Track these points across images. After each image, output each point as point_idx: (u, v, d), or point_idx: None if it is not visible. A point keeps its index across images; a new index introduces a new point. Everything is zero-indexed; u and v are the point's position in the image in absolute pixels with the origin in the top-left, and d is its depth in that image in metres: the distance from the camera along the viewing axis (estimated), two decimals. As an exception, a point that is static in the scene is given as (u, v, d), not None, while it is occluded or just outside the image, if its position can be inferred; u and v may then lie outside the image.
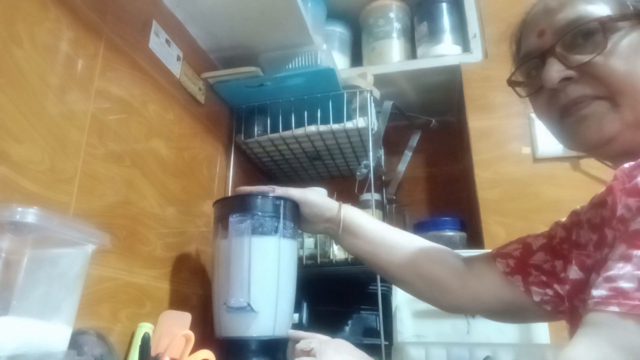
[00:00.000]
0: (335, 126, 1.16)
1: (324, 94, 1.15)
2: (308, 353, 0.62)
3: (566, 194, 1.11)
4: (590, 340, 0.39)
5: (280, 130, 1.19)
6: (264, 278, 0.77)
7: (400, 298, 1.03)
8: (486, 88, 1.27)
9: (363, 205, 1.25)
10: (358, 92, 1.18)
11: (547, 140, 1.00)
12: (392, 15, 1.48)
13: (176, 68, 0.98)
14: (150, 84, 0.88)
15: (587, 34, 0.51)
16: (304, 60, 1.11)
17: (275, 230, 0.79)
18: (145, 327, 0.75)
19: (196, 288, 0.98)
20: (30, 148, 0.60)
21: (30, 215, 0.46)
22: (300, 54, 1.11)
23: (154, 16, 0.91)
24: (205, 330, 0.94)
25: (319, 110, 1.16)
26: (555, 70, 0.52)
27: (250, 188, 0.84)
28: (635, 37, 0.50)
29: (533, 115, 1.15)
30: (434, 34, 1.41)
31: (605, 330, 0.39)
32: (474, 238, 1.22)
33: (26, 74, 0.60)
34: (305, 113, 1.16)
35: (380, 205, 1.38)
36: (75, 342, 0.59)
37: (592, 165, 1.10)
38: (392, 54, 1.44)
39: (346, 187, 1.27)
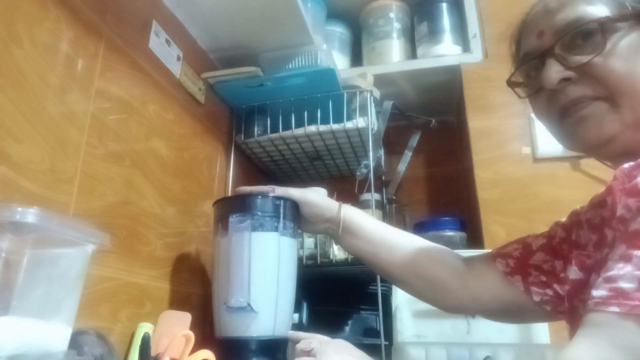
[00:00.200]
0: (335, 126, 1.16)
1: (324, 94, 1.15)
2: (308, 353, 0.62)
3: (566, 194, 1.11)
4: (591, 340, 0.39)
5: (280, 130, 1.19)
6: (264, 278, 0.77)
7: (400, 298, 1.03)
8: (486, 88, 1.27)
9: (363, 205, 1.25)
10: (358, 92, 1.18)
11: (547, 140, 1.00)
12: (392, 15, 1.48)
13: (176, 68, 0.98)
14: (150, 84, 0.88)
15: (587, 35, 0.51)
16: (304, 60, 1.11)
17: (275, 230, 0.79)
18: (145, 327, 0.75)
19: (196, 288, 0.98)
20: (30, 148, 0.60)
21: (30, 215, 0.45)
22: (300, 54, 1.11)
23: (154, 16, 0.91)
24: (205, 330, 0.94)
25: (319, 110, 1.16)
26: (554, 71, 0.52)
27: (250, 188, 0.84)
28: (634, 37, 0.50)
29: (533, 115, 1.15)
30: (434, 34, 1.41)
31: (606, 330, 0.39)
32: (474, 238, 1.22)
33: (26, 74, 0.60)
34: (305, 113, 1.16)
35: (380, 205, 1.38)
36: (75, 342, 0.59)
37: (592, 165, 1.10)
38: (392, 54, 1.44)
39: (346, 187, 1.27)
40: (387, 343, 1.00)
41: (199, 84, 1.07)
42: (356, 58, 1.53)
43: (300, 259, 1.06)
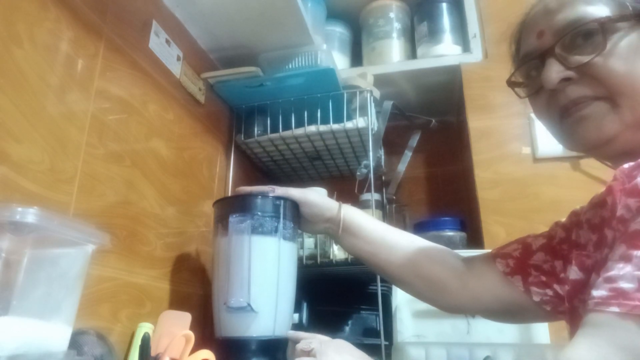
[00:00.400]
0: (335, 126, 1.16)
1: (324, 94, 1.15)
2: (308, 353, 0.62)
3: (566, 194, 1.11)
4: (591, 340, 0.39)
5: (280, 130, 1.19)
6: (264, 278, 0.77)
7: (400, 298, 1.03)
8: (486, 88, 1.27)
9: (363, 205, 1.25)
10: (358, 92, 1.18)
11: (547, 140, 1.00)
12: (392, 15, 1.48)
13: (176, 68, 0.98)
14: (150, 84, 0.88)
15: (587, 35, 0.51)
16: (304, 60, 1.11)
17: (275, 230, 0.79)
18: (145, 327, 0.75)
19: (196, 288, 0.98)
20: (30, 148, 0.60)
21: (30, 215, 0.45)
22: (300, 54, 1.11)
23: (154, 16, 0.91)
24: (205, 330, 0.94)
25: (319, 110, 1.16)
26: (554, 71, 0.52)
27: (250, 188, 0.84)
28: (635, 37, 0.50)
29: (533, 115, 1.15)
30: (434, 34, 1.41)
31: (606, 330, 0.39)
32: (474, 238, 1.22)
33: (26, 74, 0.60)
34: (305, 113, 1.16)
35: (380, 205, 1.38)
36: (75, 342, 0.59)
37: (592, 165, 1.10)
38: (392, 54, 1.44)
39: (346, 187, 1.27)
40: (387, 343, 1.00)
41: (199, 84, 1.07)
42: (356, 58, 1.53)
43: (300, 259, 1.06)
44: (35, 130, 0.61)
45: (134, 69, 0.84)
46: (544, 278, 0.66)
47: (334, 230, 0.82)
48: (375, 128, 1.21)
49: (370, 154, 1.14)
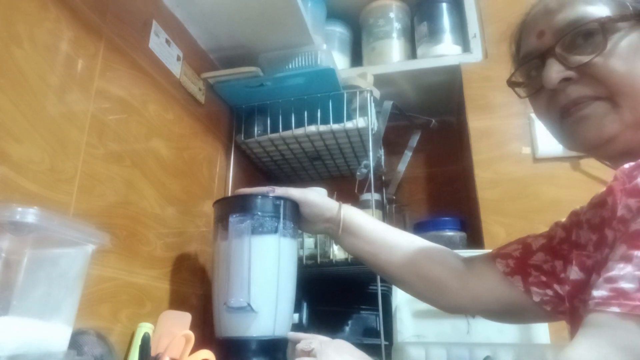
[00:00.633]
0: (335, 126, 1.16)
1: (324, 94, 1.15)
2: (308, 353, 0.62)
3: (566, 194, 1.11)
4: (591, 340, 0.39)
5: (280, 130, 1.19)
6: (264, 278, 0.77)
7: (400, 298, 1.03)
8: (486, 88, 1.27)
9: (363, 205, 1.25)
10: (358, 92, 1.18)
11: (547, 140, 1.00)
12: (392, 15, 1.48)
13: (176, 68, 0.98)
14: (150, 84, 0.88)
15: (587, 35, 0.51)
16: (304, 60, 1.11)
17: (275, 230, 0.79)
18: (145, 327, 0.75)
19: (196, 288, 0.98)
20: (30, 148, 0.60)
21: (30, 215, 0.45)
22: (300, 54, 1.11)
23: (154, 16, 0.91)
24: (205, 330, 0.94)
25: (319, 110, 1.16)
26: (555, 71, 0.52)
27: (249, 190, 0.84)
28: (635, 37, 0.50)
29: (533, 115, 1.15)
30: (434, 34, 1.41)
31: (606, 330, 0.39)
32: (474, 238, 1.22)
33: (26, 74, 0.60)
34: (305, 113, 1.16)
35: (380, 205, 1.38)
36: (75, 342, 0.59)
37: (592, 165, 1.10)
38: (392, 54, 1.44)
39: (346, 187, 1.27)
40: (387, 343, 1.00)
41: (199, 84, 1.07)
42: (356, 58, 1.53)
43: (300, 259, 1.06)
44: (35, 130, 0.61)
45: (134, 69, 0.84)
46: (544, 278, 0.66)
47: (334, 230, 0.82)
48: (375, 128, 1.21)
49: (370, 154, 1.14)
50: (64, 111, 0.67)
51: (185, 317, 0.77)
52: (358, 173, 1.19)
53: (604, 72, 0.50)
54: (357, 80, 1.19)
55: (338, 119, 1.16)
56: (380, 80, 1.29)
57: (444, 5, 1.44)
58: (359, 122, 1.16)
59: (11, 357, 0.45)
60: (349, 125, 1.16)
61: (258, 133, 1.20)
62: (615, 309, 0.38)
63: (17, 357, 0.45)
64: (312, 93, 1.15)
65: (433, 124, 1.46)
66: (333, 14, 1.49)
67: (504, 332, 0.96)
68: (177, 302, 0.89)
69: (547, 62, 0.53)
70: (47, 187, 0.62)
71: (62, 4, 0.67)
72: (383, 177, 1.51)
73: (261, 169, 1.40)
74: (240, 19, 1.04)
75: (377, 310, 0.99)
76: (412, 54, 1.46)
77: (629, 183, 0.44)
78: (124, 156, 0.79)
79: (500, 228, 1.14)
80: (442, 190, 1.53)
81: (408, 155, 1.50)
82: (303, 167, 1.42)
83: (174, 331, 0.72)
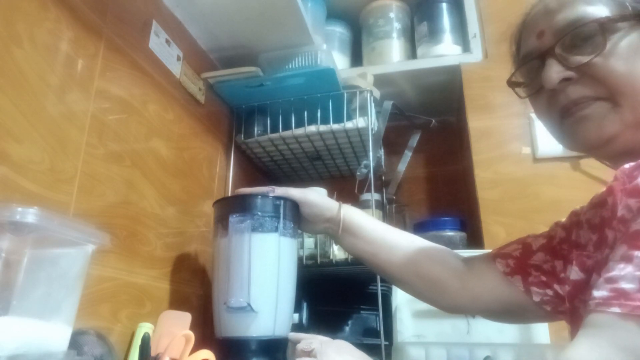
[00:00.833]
0: (335, 126, 1.16)
1: (324, 94, 1.15)
2: (309, 354, 0.62)
3: (566, 194, 1.11)
4: (592, 341, 0.39)
5: (280, 130, 1.19)
6: (264, 278, 0.77)
7: (400, 298, 1.03)
8: (486, 88, 1.27)
9: (363, 205, 1.25)
10: (358, 92, 1.18)
11: (547, 140, 1.00)
12: (392, 15, 1.48)
13: (176, 68, 0.98)
14: (150, 84, 0.88)
15: (587, 35, 0.51)
16: (304, 60, 1.11)
17: (275, 230, 0.79)
18: (145, 327, 0.75)
19: (196, 288, 0.98)
20: (30, 148, 0.60)
21: (30, 215, 0.45)
22: (300, 54, 1.11)
23: (154, 16, 0.91)
24: (205, 330, 0.94)
25: (319, 110, 1.16)
26: (554, 71, 0.52)
27: (249, 190, 0.84)
28: (635, 37, 0.50)
29: (533, 115, 1.16)
30: (434, 34, 1.41)
31: (607, 331, 0.39)
32: (474, 238, 1.22)
33: (26, 74, 0.60)
34: (305, 113, 1.16)
35: (380, 205, 1.38)
36: (75, 342, 0.59)
37: (592, 165, 1.10)
38: (392, 54, 1.44)
39: (346, 187, 1.27)
40: (387, 343, 1.00)
41: (199, 84, 1.07)
42: (356, 58, 1.53)
43: (300, 259, 1.06)
44: (35, 130, 0.61)
45: (134, 69, 0.84)
46: (544, 278, 0.66)
47: (334, 230, 0.82)
48: (375, 128, 1.21)
49: (370, 154, 1.14)
50: (64, 111, 0.67)
51: (185, 317, 0.77)
52: (358, 173, 1.19)
53: (603, 72, 0.50)
54: (357, 80, 1.19)
55: (338, 119, 1.16)
56: (380, 80, 1.29)
57: (444, 5, 1.44)
58: (359, 122, 1.16)
59: (11, 357, 0.45)
60: (349, 125, 1.16)
61: (258, 133, 1.20)
62: (616, 310, 0.38)
63: (17, 357, 0.45)
64: (312, 93, 1.15)
65: (433, 124, 1.46)
66: (333, 14, 1.49)
67: (504, 332, 0.96)
68: (177, 302, 0.89)
69: (547, 63, 0.53)
70: (47, 187, 0.62)
71: (62, 4, 0.67)
72: (383, 177, 1.51)
73: (261, 169, 1.40)
74: (240, 19, 1.04)
75: (377, 310, 0.99)
76: (412, 54, 1.46)
77: (629, 183, 0.44)
78: (124, 156, 0.79)
79: (500, 228, 1.14)
80: (442, 190, 1.53)
81: (408, 155, 1.50)
82: (303, 167, 1.42)
83: (174, 331, 0.72)
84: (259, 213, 0.79)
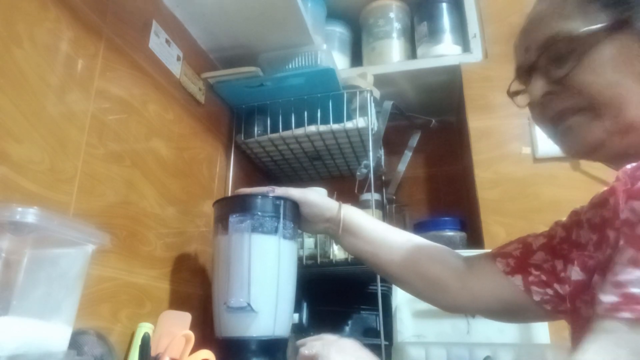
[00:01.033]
0: (335, 126, 1.16)
1: (324, 94, 1.15)
2: (311, 359, 0.61)
3: (566, 194, 1.11)
4: (602, 346, 0.39)
5: (280, 130, 1.19)
6: (264, 278, 0.77)
7: (400, 298, 1.03)
8: (486, 88, 1.27)
9: (363, 205, 1.25)
10: (358, 92, 1.18)
11: (547, 140, 1.00)
12: (392, 15, 1.48)
13: (176, 68, 0.98)
14: (150, 84, 0.88)
15: (564, 50, 0.52)
16: (304, 60, 1.11)
17: (275, 230, 0.79)
18: (145, 327, 0.75)
19: (196, 288, 0.98)
20: (30, 148, 0.60)
21: (30, 215, 0.45)
22: (300, 54, 1.11)
23: (154, 16, 0.91)
24: (205, 330, 0.94)
25: (319, 110, 1.16)
26: (538, 86, 0.54)
27: (250, 190, 0.84)
28: (611, 48, 0.50)
29: (533, 115, 1.15)
30: (434, 34, 1.41)
31: (618, 336, 0.39)
32: (474, 238, 1.22)
33: (26, 74, 0.60)
34: (305, 113, 1.16)
35: (380, 205, 1.38)
36: (75, 342, 0.59)
37: (592, 165, 1.10)
38: (392, 54, 1.44)
39: (346, 187, 1.27)
40: (387, 343, 0.99)
41: (199, 84, 1.07)
42: (356, 58, 1.53)
43: (300, 259, 1.06)
44: (35, 130, 0.61)
45: (134, 69, 0.84)
46: (544, 277, 0.66)
47: (334, 230, 0.82)
48: (375, 128, 1.21)
49: (370, 154, 1.14)
50: (64, 111, 0.67)
51: (185, 317, 0.77)
52: (358, 173, 1.19)
53: (581, 84, 0.51)
54: (357, 80, 1.19)
55: (338, 119, 1.16)
56: (380, 80, 1.29)
57: (444, 5, 1.44)
58: (359, 122, 1.16)
59: (11, 357, 0.45)
60: (349, 125, 1.16)
61: (258, 133, 1.20)
62: (627, 315, 0.38)
63: (17, 357, 0.45)
64: (312, 93, 1.15)
65: (433, 124, 1.46)
66: (333, 14, 1.49)
67: (504, 332, 0.96)
68: (177, 302, 0.89)
69: (533, 77, 0.55)
70: (47, 187, 0.62)
71: (62, 4, 0.67)
72: (383, 177, 1.51)
73: (261, 169, 1.40)
74: (240, 19, 1.04)
75: (377, 310, 0.99)
76: (412, 54, 1.46)
77: (631, 184, 0.44)
78: (124, 156, 0.79)
79: (500, 228, 1.14)
80: (442, 190, 1.53)
81: (408, 155, 1.50)
82: (303, 167, 1.42)
83: (174, 331, 0.72)
84: (259, 213, 0.79)
